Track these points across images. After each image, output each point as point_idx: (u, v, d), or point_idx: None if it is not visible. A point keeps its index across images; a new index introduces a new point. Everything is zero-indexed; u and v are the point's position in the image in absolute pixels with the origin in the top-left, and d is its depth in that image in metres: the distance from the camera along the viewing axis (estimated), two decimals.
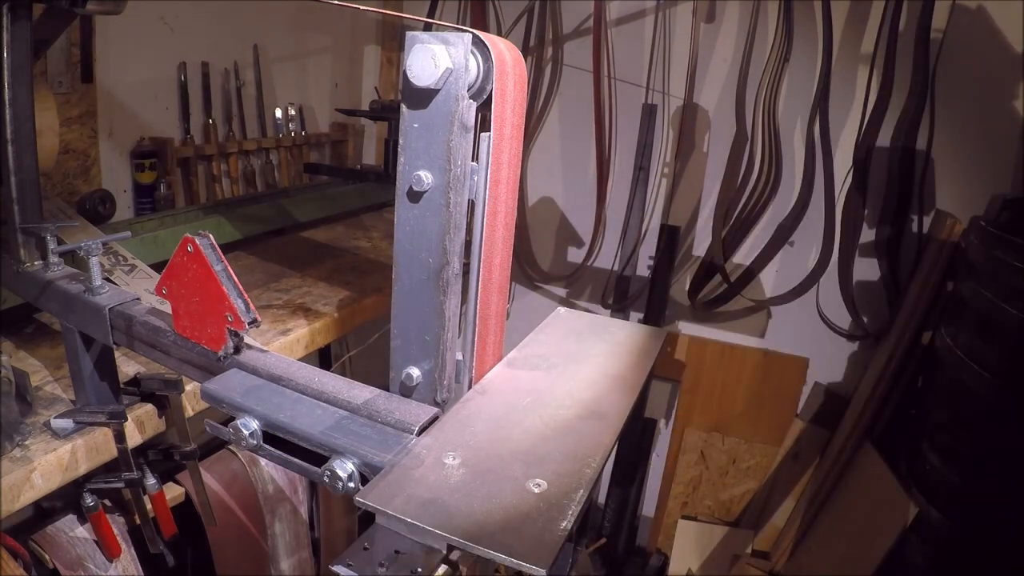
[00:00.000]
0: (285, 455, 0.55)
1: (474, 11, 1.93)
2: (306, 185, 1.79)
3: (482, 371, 0.60)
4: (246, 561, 1.16)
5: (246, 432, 0.55)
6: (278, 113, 1.82)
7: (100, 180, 1.36)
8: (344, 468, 0.50)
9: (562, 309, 0.79)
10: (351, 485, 0.50)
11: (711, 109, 1.81)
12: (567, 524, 0.41)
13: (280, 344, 1.12)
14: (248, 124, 1.74)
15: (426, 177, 0.50)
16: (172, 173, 1.51)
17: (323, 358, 1.77)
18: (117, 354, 0.90)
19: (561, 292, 2.13)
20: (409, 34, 0.48)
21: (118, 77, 1.37)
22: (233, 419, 0.57)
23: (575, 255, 2.09)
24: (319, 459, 0.52)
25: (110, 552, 0.94)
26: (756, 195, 1.78)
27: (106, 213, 1.33)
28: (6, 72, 0.81)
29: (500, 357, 0.64)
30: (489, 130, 0.51)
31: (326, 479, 0.50)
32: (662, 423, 2.11)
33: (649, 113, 1.86)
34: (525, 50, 1.94)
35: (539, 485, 0.44)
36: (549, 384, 0.59)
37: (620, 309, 2.02)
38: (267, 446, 0.56)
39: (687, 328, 2.00)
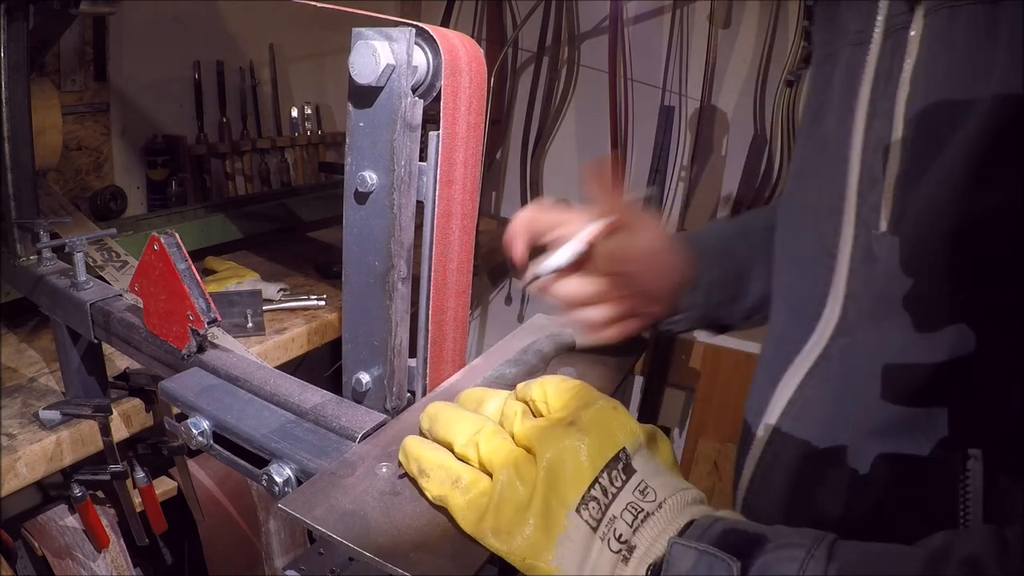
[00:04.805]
0: (232, 456, 0.54)
1: (490, 11, 1.92)
2: (318, 184, 1.80)
3: (439, 378, 0.58)
4: (238, 558, 1.17)
5: (196, 431, 0.55)
6: (294, 112, 1.84)
7: (113, 176, 1.39)
8: (280, 473, 0.49)
9: (540, 315, 0.76)
10: (287, 490, 0.49)
11: (729, 111, 1.76)
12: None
13: (275, 343, 1.13)
14: (264, 122, 1.76)
15: (371, 178, 0.49)
16: (185, 170, 1.53)
17: (334, 352, 1.79)
18: (112, 349, 0.91)
19: None
20: (354, 30, 0.47)
21: (132, 75, 1.40)
22: (187, 417, 0.57)
23: None
24: (264, 462, 0.51)
25: (98, 542, 0.96)
26: (775, 199, 1.72)
27: (117, 209, 1.36)
28: (3, 72, 0.83)
29: (463, 364, 0.62)
30: (439, 128, 0.50)
31: (264, 482, 0.49)
32: (675, 432, 2.06)
33: (666, 115, 1.82)
34: (540, 50, 1.92)
35: None
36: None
37: None
38: (217, 446, 0.55)
39: (702, 335, 1.95)
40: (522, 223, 0.60)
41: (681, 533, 0.34)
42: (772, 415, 0.54)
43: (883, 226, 0.47)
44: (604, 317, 0.61)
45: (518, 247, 0.59)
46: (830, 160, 0.53)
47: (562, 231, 0.59)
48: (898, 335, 0.43)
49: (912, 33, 0.46)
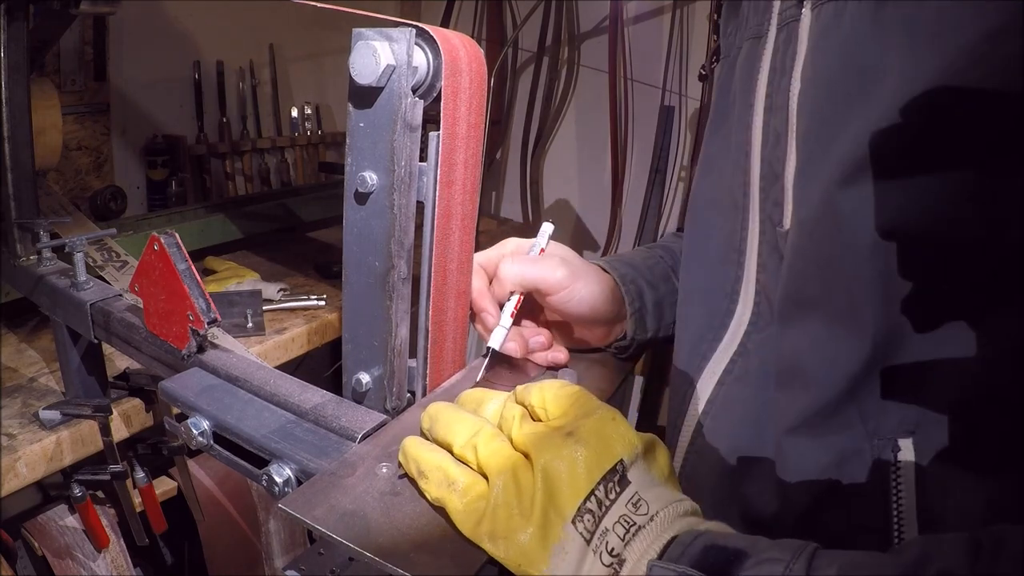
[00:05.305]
0: (232, 456, 0.54)
1: (490, 11, 1.92)
2: (318, 184, 1.80)
3: (439, 378, 0.58)
4: (238, 558, 1.17)
5: (196, 432, 0.55)
6: (294, 112, 1.84)
7: (113, 176, 1.39)
8: (280, 473, 0.49)
9: None
10: (287, 490, 0.49)
11: None
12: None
13: (275, 343, 1.13)
14: (263, 122, 1.76)
15: (371, 178, 0.49)
16: (185, 170, 1.54)
17: (334, 352, 1.79)
18: (112, 349, 0.91)
19: None
20: (354, 30, 0.47)
21: (132, 75, 1.40)
22: (187, 417, 0.57)
23: (589, 258, 2.05)
24: (264, 462, 0.51)
25: (98, 542, 0.96)
26: None
27: (117, 209, 1.36)
28: (3, 72, 0.83)
29: (463, 364, 0.62)
30: (439, 129, 0.50)
31: (264, 483, 0.49)
32: None
33: (666, 115, 1.82)
34: (540, 50, 1.92)
35: None
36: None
37: None
38: (217, 446, 0.55)
39: None
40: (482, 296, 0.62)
41: (664, 550, 0.34)
42: (693, 413, 0.54)
43: (787, 223, 0.46)
44: (562, 353, 0.65)
45: (488, 320, 0.62)
46: (733, 156, 0.53)
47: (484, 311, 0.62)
48: (815, 329, 0.43)
49: (801, 27, 0.45)
